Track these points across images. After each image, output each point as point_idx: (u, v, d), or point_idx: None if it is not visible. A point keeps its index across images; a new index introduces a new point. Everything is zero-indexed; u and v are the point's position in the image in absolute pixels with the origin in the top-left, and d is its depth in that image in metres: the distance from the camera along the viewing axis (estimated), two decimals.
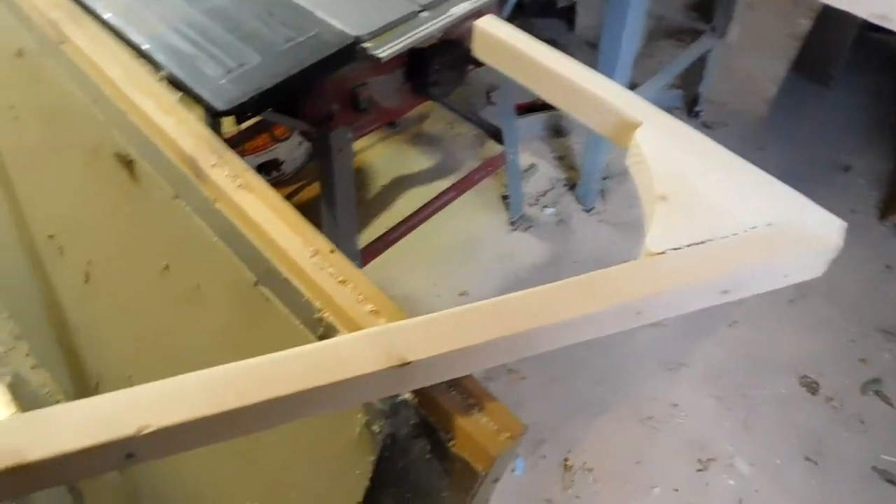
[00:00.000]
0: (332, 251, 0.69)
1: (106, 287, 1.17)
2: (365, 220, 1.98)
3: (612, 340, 1.75)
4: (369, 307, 0.65)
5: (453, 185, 1.72)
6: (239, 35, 0.91)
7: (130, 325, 1.12)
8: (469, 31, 0.85)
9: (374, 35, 0.92)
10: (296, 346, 0.56)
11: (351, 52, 0.91)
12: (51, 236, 1.33)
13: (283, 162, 2.09)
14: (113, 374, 1.34)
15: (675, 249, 0.62)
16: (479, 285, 1.90)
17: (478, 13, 0.99)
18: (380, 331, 0.58)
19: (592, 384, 1.73)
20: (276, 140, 1.97)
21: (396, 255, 1.63)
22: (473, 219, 2.07)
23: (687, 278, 0.60)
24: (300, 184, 2.08)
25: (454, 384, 0.60)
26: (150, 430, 0.49)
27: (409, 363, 0.54)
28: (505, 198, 2.08)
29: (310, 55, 0.87)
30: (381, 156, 2.20)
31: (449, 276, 1.92)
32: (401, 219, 1.65)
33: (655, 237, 0.64)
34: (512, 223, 2.04)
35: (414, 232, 1.66)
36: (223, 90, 0.84)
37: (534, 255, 1.97)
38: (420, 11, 0.97)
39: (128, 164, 0.86)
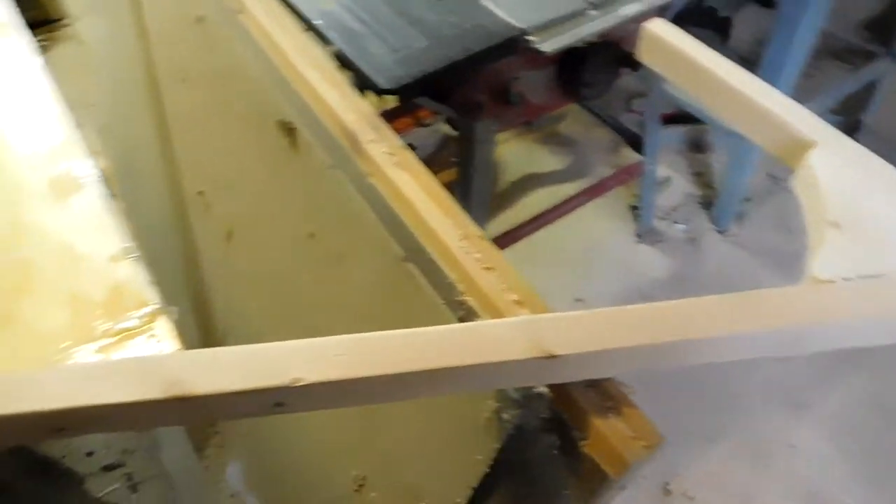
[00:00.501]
0: (481, 237, 0.69)
1: (247, 246, 1.24)
2: (490, 213, 1.99)
3: (733, 368, 1.68)
4: (513, 297, 0.65)
5: (585, 189, 1.70)
6: (407, 19, 0.94)
7: (266, 284, 1.17)
8: (629, 34, 0.84)
9: (540, 28, 0.92)
10: (435, 324, 0.57)
11: (515, 43, 0.92)
12: (200, 192, 1.41)
13: (415, 147, 2.13)
14: (240, 329, 1.42)
15: (845, 280, 0.58)
16: (597, 294, 1.87)
17: (646, 15, 0.97)
18: (527, 320, 0.58)
19: (706, 411, 1.67)
20: (420, 124, 2.00)
21: (516, 252, 1.63)
22: (598, 225, 2.03)
23: (858, 312, 0.56)
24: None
25: (593, 384, 0.59)
26: (303, 383, 0.52)
27: (555, 356, 0.54)
28: (634, 208, 2.03)
29: (475, 43, 0.88)
30: (513, 152, 2.21)
31: (566, 281, 1.90)
32: (525, 216, 1.65)
33: (824, 264, 0.60)
34: (638, 235, 1.99)
35: (537, 231, 1.66)
36: (388, 69, 0.86)
37: (658, 270, 1.92)
38: (589, 9, 0.96)
39: (289, 131, 0.90)
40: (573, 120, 2.30)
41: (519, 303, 0.65)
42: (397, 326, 0.58)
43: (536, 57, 1.00)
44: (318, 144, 0.85)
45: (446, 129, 2.01)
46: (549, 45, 0.90)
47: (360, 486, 0.99)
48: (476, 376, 0.55)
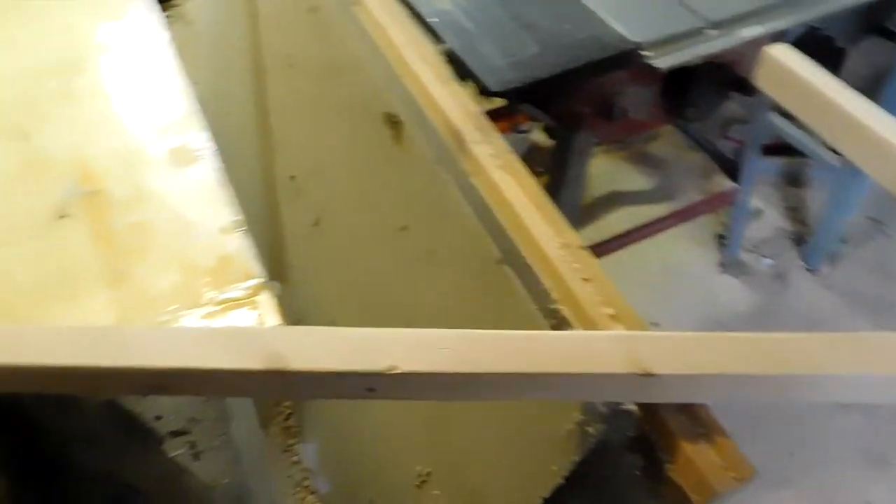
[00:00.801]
0: (580, 247, 0.69)
1: (334, 233, 1.26)
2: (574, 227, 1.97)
3: (812, 413, 1.61)
4: (609, 311, 0.64)
5: (674, 213, 1.66)
6: (521, 23, 0.94)
7: (349, 273, 1.19)
8: (744, 57, 0.81)
9: (656, 44, 0.90)
10: (526, 328, 0.57)
11: (628, 57, 0.91)
12: (292, 177, 1.45)
13: None
14: (315, 314, 1.45)
15: None
16: (674, 319, 1.83)
17: (765, 40, 0.94)
18: (628, 336, 0.57)
19: (778, 454, 1.60)
20: (515, 130, 1.99)
21: None
22: (681, 250, 1.99)
23: None
24: None
25: (684, 408, 0.58)
26: (398, 371, 0.52)
27: (652, 375, 0.53)
28: (721, 237, 1.98)
29: (588, 53, 0.88)
30: (600, 167, 2.18)
31: (643, 303, 1.86)
32: (608, 234, 1.63)
33: None
34: (722, 265, 1.94)
35: (618, 250, 1.63)
36: (499, 72, 0.87)
37: (740, 303, 1.86)
38: (707, 28, 0.94)
39: (395, 125, 0.91)
40: (665, 141, 2.26)
41: (614, 318, 0.64)
42: (485, 327, 0.58)
43: (645, 72, 0.99)
44: (422, 140, 0.86)
45: (537, 137, 2.00)
46: (663, 61, 0.89)
47: (423, 481, 0.99)
48: (571, 386, 0.55)
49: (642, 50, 0.90)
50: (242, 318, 0.59)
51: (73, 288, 0.62)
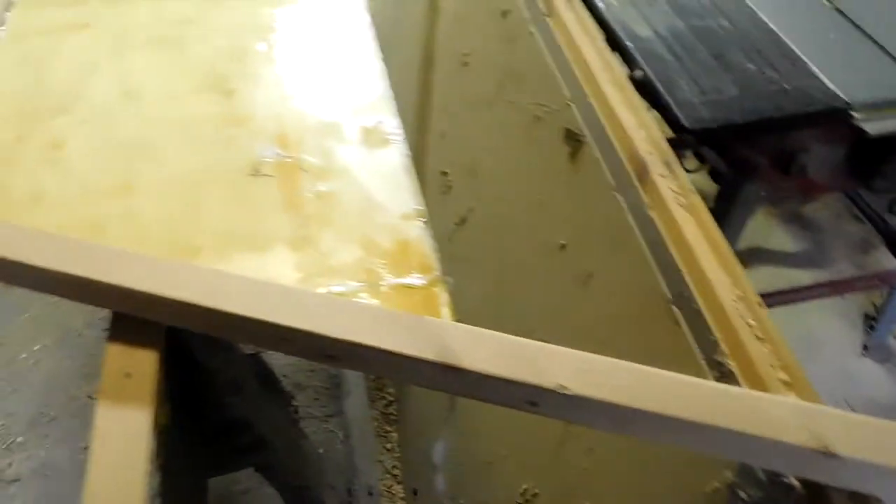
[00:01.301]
0: (759, 304, 0.66)
1: (480, 235, 1.27)
2: None
3: None
4: (783, 376, 0.61)
5: (825, 283, 1.57)
6: (722, 63, 0.91)
7: (488, 279, 1.20)
8: None
9: (869, 107, 0.85)
10: (688, 375, 0.55)
11: (833, 115, 0.86)
12: (444, 172, 1.47)
13: None
14: None
15: None
16: None
17: None
18: (805, 406, 0.54)
19: None
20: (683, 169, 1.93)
21: None
22: (822, 323, 1.87)
23: None
24: None
25: (857, 497, 0.54)
26: (567, 392, 0.52)
27: (832, 454, 0.49)
28: (869, 318, 1.84)
29: (794, 105, 0.84)
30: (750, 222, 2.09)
31: None
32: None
33: None
34: (866, 347, 1.81)
35: None
36: (693, 109, 0.84)
37: (880, 391, 1.72)
38: None
39: (575, 142, 0.90)
40: (823, 205, 2.13)
41: (787, 384, 0.60)
42: (644, 363, 0.56)
43: (839, 132, 0.93)
44: (602, 162, 0.85)
45: (698, 179, 1.94)
46: (874, 126, 0.84)
47: (527, 501, 0.98)
48: (736, 444, 0.52)
49: (853, 111, 0.85)
50: (416, 306, 0.60)
51: (260, 242, 0.65)
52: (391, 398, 1.58)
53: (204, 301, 0.56)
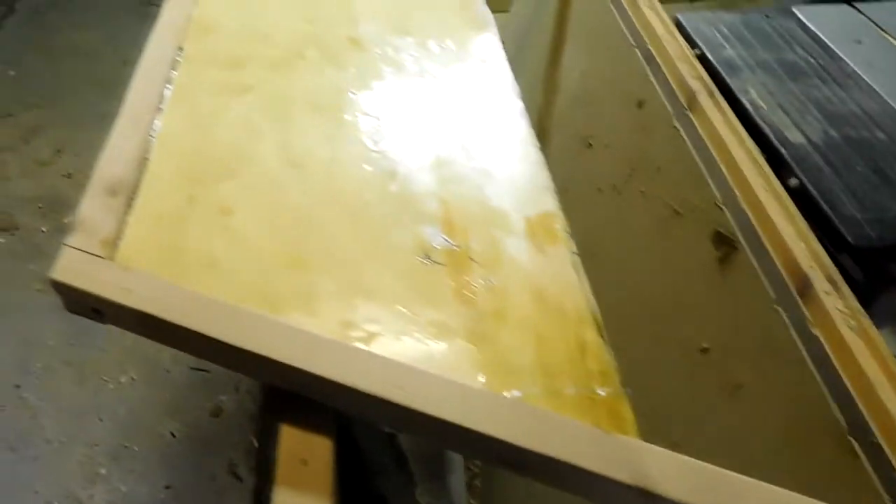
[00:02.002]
0: None
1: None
2: None
3: None
4: None
5: None
6: (882, 177, 0.89)
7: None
8: None
9: None
10: None
11: None
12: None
13: None
14: None
15: None
16: None
17: None
18: None
19: None
20: None
21: None
22: None
23: None
24: None
25: None
26: None
27: None
28: None
29: None
30: None
31: None
32: None
33: None
34: None
35: None
36: (858, 226, 0.82)
37: None
38: None
39: (726, 246, 0.89)
40: None
41: None
42: (811, 493, 0.53)
43: None
44: (757, 272, 0.83)
45: None
46: None
47: None
48: None
49: None
50: (601, 419, 0.59)
51: (438, 334, 0.65)
52: (476, 470, 1.56)
53: (399, 398, 0.56)
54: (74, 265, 0.71)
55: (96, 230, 0.75)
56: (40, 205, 2.37)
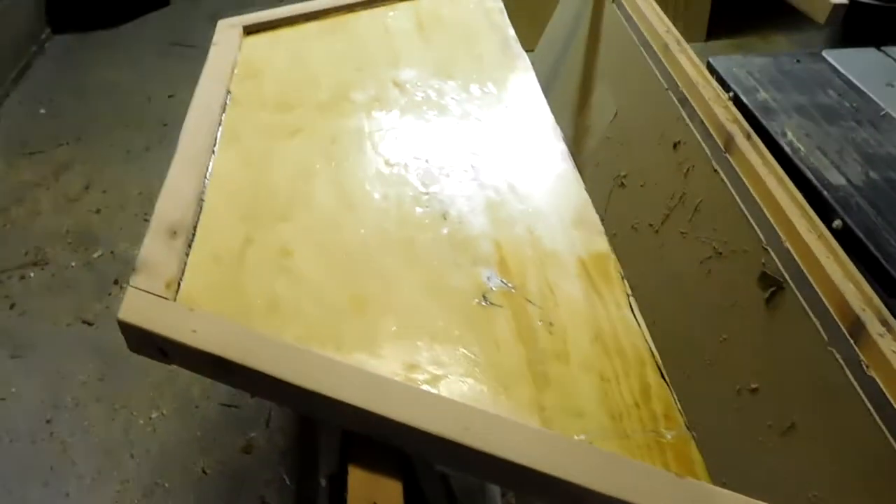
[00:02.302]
0: None
1: None
2: None
3: None
4: None
5: None
6: None
7: None
8: None
9: None
10: None
11: None
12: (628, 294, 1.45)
13: None
14: None
15: None
16: None
17: None
18: None
19: None
20: None
21: None
22: None
23: None
24: None
25: None
26: None
27: None
28: None
29: None
30: None
31: None
32: None
33: None
34: None
35: None
36: None
37: None
38: None
39: (774, 287, 0.90)
40: None
41: None
42: None
43: None
44: (807, 313, 0.84)
45: None
46: None
47: None
48: None
49: None
50: (669, 462, 0.60)
51: (502, 376, 0.66)
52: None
53: (468, 440, 0.56)
54: (140, 306, 0.73)
55: (159, 271, 0.77)
56: (70, 240, 2.40)
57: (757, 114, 1.12)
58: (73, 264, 2.33)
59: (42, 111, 3.13)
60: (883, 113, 1.12)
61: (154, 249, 0.79)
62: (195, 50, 3.55)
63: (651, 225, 1.22)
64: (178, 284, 0.76)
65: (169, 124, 3.01)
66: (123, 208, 2.55)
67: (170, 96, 3.24)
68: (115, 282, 2.27)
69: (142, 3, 3.94)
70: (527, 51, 1.49)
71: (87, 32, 3.75)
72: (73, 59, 3.58)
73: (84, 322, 2.13)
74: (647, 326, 1.17)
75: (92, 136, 2.97)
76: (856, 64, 1.25)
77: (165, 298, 0.73)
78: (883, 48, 1.31)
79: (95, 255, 2.37)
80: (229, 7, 4.30)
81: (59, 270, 2.31)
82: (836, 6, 1.27)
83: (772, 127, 1.08)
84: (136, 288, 0.74)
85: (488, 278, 0.76)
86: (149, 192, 2.58)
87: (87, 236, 2.44)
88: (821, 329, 0.81)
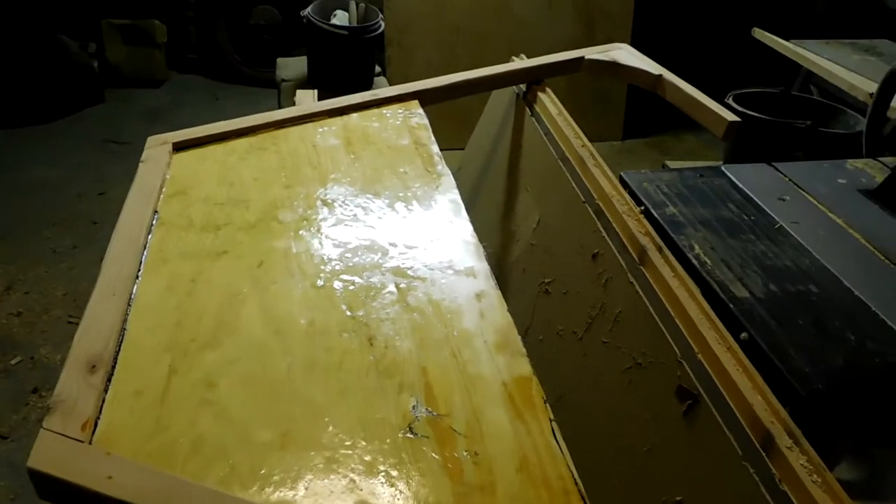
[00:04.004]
0: None
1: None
2: None
3: None
4: None
5: None
6: (822, 333, 0.97)
7: None
8: None
9: None
10: None
11: None
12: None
13: None
14: None
15: None
16: None
17: None
18: None
19: None
20: None
21: None
22: None
23: None
24: None
25: None
26: None
27: None
28: None
29: None
30: None
31: None
32: None
33: None
34: None
35: None
36: (806, 378, 0.88)
37: None
38: None
39: (689, 400, 0.93)
40: None
41: None
42: None
43: None
44: (724, 427, 0.87)
45: None
46: None
47: None
48: None
49: None
50: None
51: None
52: None
53: None
54: (52, 451, 0.70)
55: (75, 410, 0.75)
56: None
57: (667, 227, 1.19)
58: None
59: None
60: (777, 226, 1.21)
61: (70, 386, 0.77)
62: (128, 147, 3.55)
63: (575, 332, 1.26)
64: (95, 424, 0.74)
65: (99, 222, 2.96)
66: (47, 310, 2.46)
67: (100, 194, 3.20)
68: (34, 390, 2.17)
69: (76, 100, 3.93)
70: (458, 149, 1.55)
71: (19, 128, 3.70)
72: (2, 154, 3.51)
73: None
74: (576, 434, 1.20)
75: (17, 235, 2.89)
76: (751, 178, 1.35)
77: (80, 441, 0.71)
78: (773, 163, 1.42)
79: (13, 362, 2.26)
80: (164, 105, 4.35)
81: None
82: (731, 123, 1.39)
83: (680, 240, 1.15)
84: (49, 430, 0.72)
85: (414, 407, 0.77)
86: (75, 293, 2.51)
87: (5, 341, 2.34)
88: (735, 443, 0.85)
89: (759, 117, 2.27)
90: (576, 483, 0.70)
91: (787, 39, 2.99)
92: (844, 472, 1.11)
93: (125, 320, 0.87)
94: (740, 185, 1.34)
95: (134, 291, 0.92)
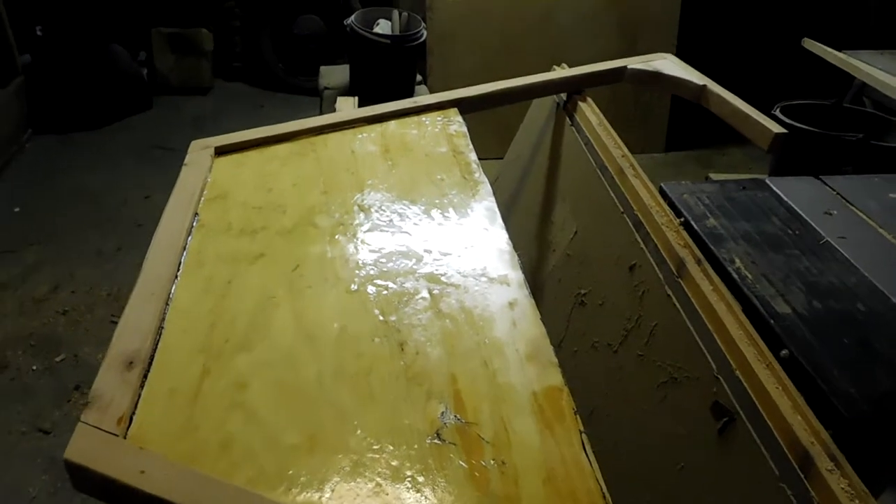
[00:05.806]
0: None
1: None
2: None
3: None
4: None
5: None
6: (867, 350, 0.93)
7: None
8: None
9: None
10: None
11: None
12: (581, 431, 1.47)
13: None
14: None
15: None
16: None
17: None
18: None
19: None
20: None
21: None
22: None
23: None
24: None
25: None
26: None
27: None
28: None
29: None
30: None
31: None
32: None
33: None
34: None
35: None
36: (851, 400, 0.85)
37: None
38: None
39: (726, 418, 0.91)
40: None
41: None
42: None
43: None
44: (761, 446, 0.85)
45: None
46: None
47: None
48: None
49: None
50: None
51: None
52: None
53: None
54: (89, 444, 0.72)
55: (112, 405, 0.76)
56: (32, 342, 2.37)
57: (706, 240, 1.17)
58: (35, 368, 2.29)
59: (16, 210, 3.14)
60: (822, 241, 1.18)
61: (108, 382, 0.79)
62: (174, 153, 3.63)
63: (610, 345, 1.24)
64: (130, 419, 0.75)
65: (143, 225, 3.04)
66: (91, 310, 2.53)
67: (146, 197, 3.28)
68: (77, 388, 2.22)
69: (124, 107, 4.05)
70: (498, 158, 1.54)
71: (69, 134, 3.82)
72: (53, 159, 3.63)
73: (40, 430, 2.07)
74: (607, 448, 1.18)
75: (64, 237, 2.97)
76: (796, 192, 1.32)
77: (115, 435, 0.73)
78: (821, 176, 1.39)
79: (58, 359, 2.33)
80: (209, 112, 4.44)
81: (19, 374, 2.26)
82: (777, 135, 1.35)
83: (720, 253, 1.13)
84: (86, 423, 0.73)
85: (442, 414, 0.77)
86: (118, 294, 2.57)
87: (51, 339, 2.41)
88: (772, 463, 0.82)
89: (807, 129, 2.21)
90: (604, 497, 0.68)
91: (839, 50, 2.92)
92: (889, 502, 1.07)
93: (163, 320, 0.89)
94: (785, 199, 1.30)
95: (172, 292, 0.94)
